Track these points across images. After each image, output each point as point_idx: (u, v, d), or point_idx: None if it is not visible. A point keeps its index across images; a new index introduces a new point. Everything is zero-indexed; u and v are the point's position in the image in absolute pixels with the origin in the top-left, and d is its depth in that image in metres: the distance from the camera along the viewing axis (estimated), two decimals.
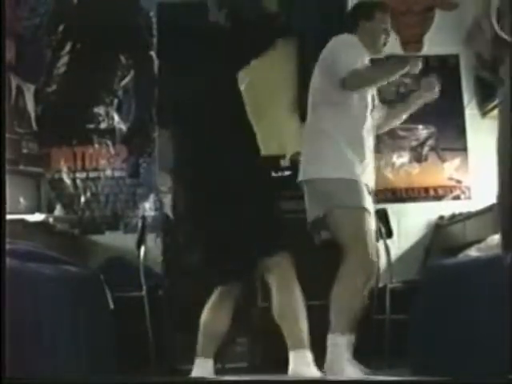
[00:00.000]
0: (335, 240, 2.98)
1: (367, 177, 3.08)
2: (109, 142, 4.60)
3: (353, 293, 2.87)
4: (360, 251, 2.91)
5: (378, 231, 3.54)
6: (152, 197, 4.52)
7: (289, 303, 2.66)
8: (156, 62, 4.60)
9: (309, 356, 2.56)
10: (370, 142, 3.13)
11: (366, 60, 3.11)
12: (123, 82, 4.64)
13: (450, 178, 4.61)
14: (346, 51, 3.02)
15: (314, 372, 2.51)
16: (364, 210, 2.96)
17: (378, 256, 3.14)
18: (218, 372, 2.62)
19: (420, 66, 3.11)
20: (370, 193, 3.09)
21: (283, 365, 2.65)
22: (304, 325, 2.63)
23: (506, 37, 3.58)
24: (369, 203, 3.01)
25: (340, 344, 2.80)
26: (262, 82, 4.50)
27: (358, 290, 2.89)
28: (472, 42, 4.37)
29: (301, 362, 2.54)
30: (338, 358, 2.77)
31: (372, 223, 3.05)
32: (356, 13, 3.27)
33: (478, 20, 4.15)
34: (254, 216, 2.69)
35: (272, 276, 2.72)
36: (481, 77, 4.42)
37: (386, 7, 3.31)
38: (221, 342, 2.85)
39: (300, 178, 3.13)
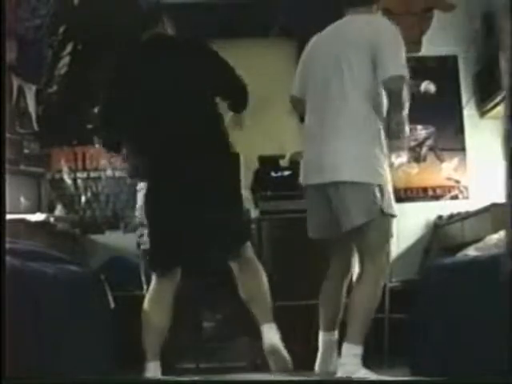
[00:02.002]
0: (362, 246, 2.85)
1: None
2: None
3: (374, 301, 2.80)
4: (384, 259, 2.85)
5: None
6: None
7: (255, 284, 2.89)
8: None
9: (275, 327, 2.85)
10: None
11: None
12: None
13: (449, 178, 4.63)
14: (400, 49, 2.79)
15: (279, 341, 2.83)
16: (394, 216, 2.88)
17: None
18: (217, 371, 2.63)
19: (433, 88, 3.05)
20: None
21: None
22: (269, 301, 2.89)
23: None
24: None
25: (358, 354, 2.70)
26: (262, 82, 4.50)
27: (379, 297, 2.83)
28: None
29: (273, 333, 2.83)
30: (358, 369, 2.68)
31: None
32: None
33: None
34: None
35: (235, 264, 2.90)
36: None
37: None
38: (164, 340, 2.90)
39: (336, 178, 2.80)
